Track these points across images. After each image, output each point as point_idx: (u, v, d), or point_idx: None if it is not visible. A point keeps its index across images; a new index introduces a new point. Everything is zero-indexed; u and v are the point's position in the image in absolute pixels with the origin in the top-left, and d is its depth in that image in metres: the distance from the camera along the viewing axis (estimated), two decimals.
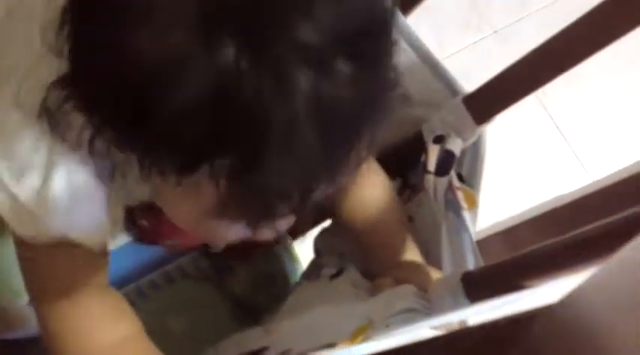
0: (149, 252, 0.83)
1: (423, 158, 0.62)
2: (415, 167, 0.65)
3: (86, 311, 0.55)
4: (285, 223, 0.50)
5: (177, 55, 0.36)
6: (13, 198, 0.48)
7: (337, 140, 0.39)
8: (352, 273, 0.62)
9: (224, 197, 0.40)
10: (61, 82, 0.42)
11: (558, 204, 0.63)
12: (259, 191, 0.39)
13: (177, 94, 0.36)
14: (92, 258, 0.55)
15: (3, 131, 0.48)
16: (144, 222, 0.74)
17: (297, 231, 0.90)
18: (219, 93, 0.36)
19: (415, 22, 0.68)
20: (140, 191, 0.53)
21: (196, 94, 0.36)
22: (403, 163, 0.68)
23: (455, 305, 0.45)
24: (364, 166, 0.63)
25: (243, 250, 0.83)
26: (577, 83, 1.40)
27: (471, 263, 0.52)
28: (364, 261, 0.65)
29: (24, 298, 0.76)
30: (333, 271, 0.65)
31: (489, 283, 0.43)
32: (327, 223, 0.79)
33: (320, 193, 0.41)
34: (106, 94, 0.39)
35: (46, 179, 0.48)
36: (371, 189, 0.64)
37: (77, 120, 0.43)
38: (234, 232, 0.48)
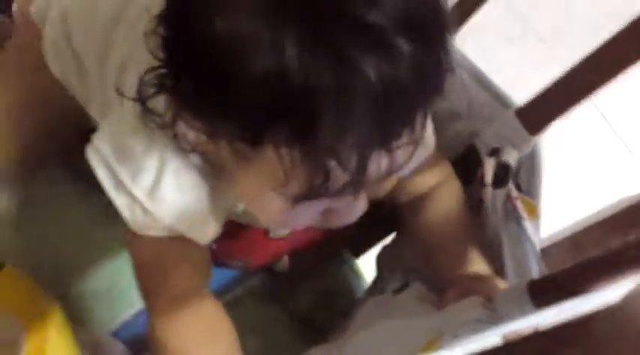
0: (219, 276, 0.86)
1: (479, 172, 0.63)
2: (471, 182, 0.66)
3: (189, 325, 0.60)
4: (353, 204, 0.52)
5: (248, 37, 0.41)
6: (131, 196, 0.55)
7: (391, 113, 0.42)
8: (417, 287, 0.63)
9: (287, 166, 0.44)
10: (153, 70, 0.49)
11: (621, 206, 0.63)
12: (316, 154, 0.42)
13: (246, 71, 0.41)
14: (198, 260, 0.62)
15: (121, 137, 0.55)
16: (213, 245, 0.77)
17: (359, 248, 0.91)
18: (282, 69, 0.40)
19: (459, 37, 0.70)
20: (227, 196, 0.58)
21: (263, 70, 0.41)
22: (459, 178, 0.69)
23: (521, 315, 0.45)
24: (440, 175, 0.65)
25: (305, 267, 0.85)
26: (630, 79, 1.38)
27: (535, 271, 0.53)
28: (429, 274, 0.66)
29: (112, 325, 0.81)
30: (397, 286, 0.67)
31: (555, 290, 0.44)
32: (389, 239, 0.81)
33: (376, 168, 0.45)
34: (190, 74, 0.45)
35: (157, 178, 0.55)
36: (444, 200, 0.66)
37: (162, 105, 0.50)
38: (305, 215, 0.51)
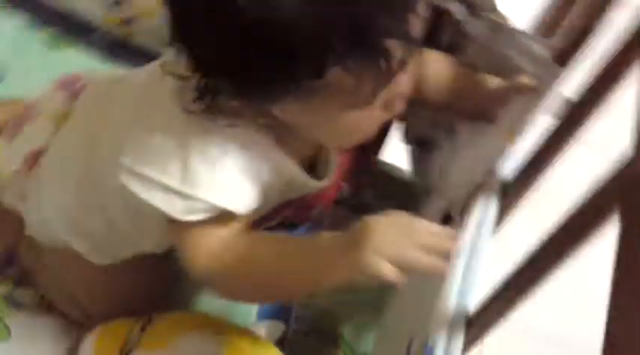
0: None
1: (444, 18, 0.74)
2: (442, 24, 0.75)
3: (237, 245, 0.62)
4: (404, 80, 0.58)
5: None
6: (164, 187, 0.58)
7: None
8: (466, 125, 0.74)
9: (356, 74, 0.51)
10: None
11: None
12: (364, 32, 0.50)
13: (284, 15, 0.49)
14: (237, 224, 0.63)
15: (141, 146, 0.60)
16: (288, 212, 0.85)
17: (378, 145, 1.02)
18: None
19: None
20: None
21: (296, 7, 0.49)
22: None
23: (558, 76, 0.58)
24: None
25: (360, 184, 0.96)
26: None
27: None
28: (467, 111, 0.75)
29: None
30: (445, 135, 0.77)
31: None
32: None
33: (406, 36, 0.53)
34: (244, 52, 0.52)
35: (184, 162, 0.58)
36: (435, 63, 0.76)
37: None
38: (372, 117, 0.58)
